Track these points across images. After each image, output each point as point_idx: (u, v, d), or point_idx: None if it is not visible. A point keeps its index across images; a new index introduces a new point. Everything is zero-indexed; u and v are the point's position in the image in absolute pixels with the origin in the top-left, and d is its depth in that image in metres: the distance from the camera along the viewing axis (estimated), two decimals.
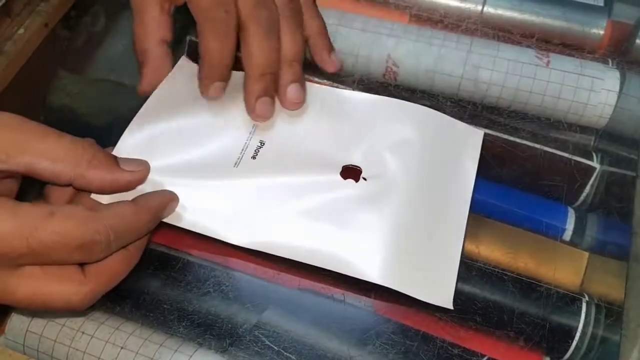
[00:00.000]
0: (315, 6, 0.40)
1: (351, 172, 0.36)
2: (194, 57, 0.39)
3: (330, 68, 0.41)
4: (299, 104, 0.38)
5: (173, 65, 0.39)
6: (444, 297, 0.34)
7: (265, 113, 0.38)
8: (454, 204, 0.36)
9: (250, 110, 0.37)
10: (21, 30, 0.41)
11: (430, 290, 0.34)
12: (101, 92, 0.42)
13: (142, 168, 0.34)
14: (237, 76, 0.39)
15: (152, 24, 0.38)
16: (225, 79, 0.38)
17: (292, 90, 0.38)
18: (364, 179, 0.36)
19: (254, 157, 0.37)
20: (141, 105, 0.38)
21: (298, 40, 0.38)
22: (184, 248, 0.37)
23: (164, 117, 0.37)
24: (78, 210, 0.29)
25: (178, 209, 0.35)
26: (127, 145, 0.36)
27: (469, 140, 0.39)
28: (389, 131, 0.38)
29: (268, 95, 0.37)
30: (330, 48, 0.41)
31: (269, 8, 0.36)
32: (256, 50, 0.36)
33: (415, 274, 0.34)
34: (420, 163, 0.37)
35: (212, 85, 0.37)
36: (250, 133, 0.37)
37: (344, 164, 0.37)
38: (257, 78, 0.37)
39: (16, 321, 0.35)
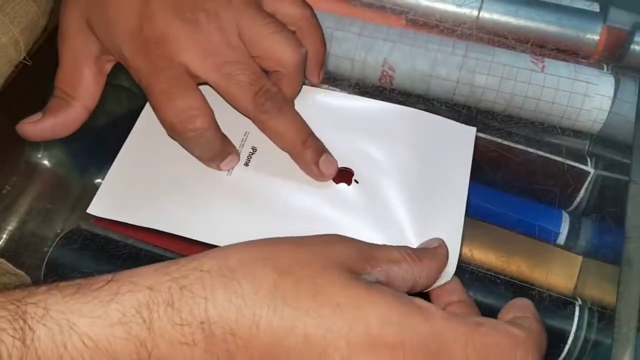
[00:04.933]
0: (314, 23, 0.38)
1: (343, 175, 0.37)
2: None
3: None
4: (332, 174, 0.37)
5: None
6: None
7: (330, 170, 0.36)
8: (450, 203, 0.36)
9: (318, 177, 0.36)
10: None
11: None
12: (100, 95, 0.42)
13: None
14: None
15: (87, 87, 0.37)
16: (227, 154, 0.36)
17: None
18: (356, 181, 0.36)
19: (246, 164, 0.37)
20: (141, 108, 0.39)
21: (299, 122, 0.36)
22: (180, 251, 0.37)
23: (155, 134, 0.38)
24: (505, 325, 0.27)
25: (175, 217, 0.35)
26: (129, 154, 0.37)
27: (461, 139, 0.39)
28: (381, 133, 0.38)
29: (321, 153, 0.36)
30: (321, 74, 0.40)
31: (264, 91, 0.35)
32: (279, 133, 0.36)
33: None
34: (413, 163, 0.37)
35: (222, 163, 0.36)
36: (242, 140, 0.38)
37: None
38: (301, 149, 0.36)
39: None
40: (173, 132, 0.34)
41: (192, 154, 0.36)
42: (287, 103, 0.36)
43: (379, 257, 0.28)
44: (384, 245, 0.29)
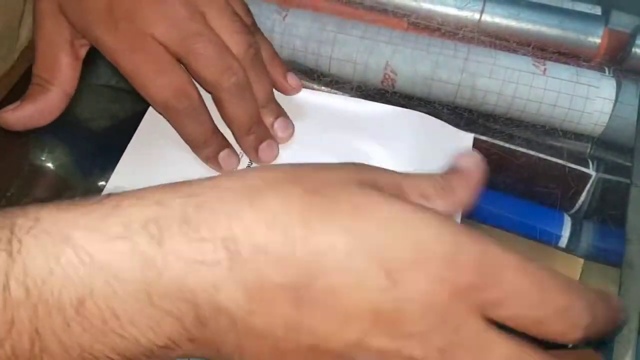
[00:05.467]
0: (258, 29, 0.40)
1: None
2: None
3: (290, 92, 0.40)
4: (290, 133, 0.38)
5: None
6: None
7: (270, 156, 0.37)
8: None
9: (256, 161, 0.37)
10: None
11: None
12: (103, 98, 0.42)
13: None
14: None
15: (64, 72, 0.36)
16: (223, 145, 0.37)
17: (278, 127, 0.38)
18: None
19: (249, 167, 0.37)
20: (143, 112, 0.39)
21: (265, 83, 0.37)
22: None
23: (159, 137, 0.38)
24: None
25: None
26: (132, 157, 0.37)
27: (459, 144, 0.39)
28: (381, 135, 0.38)
29: (264, 139, 0.37)
30: (285, 70, 0.40)
31: (234, 71, 0.35)
32: (235, 114, 0.36)
33: None
34: (411, 166, 0.37)
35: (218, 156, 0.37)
36: None
37: None
38: (246, 134, 0.37)
39: None
40: (167, 107, 0.34)
41: (187, 134, 0.36)
42: (250, 87, 0.36)
43: (410, 191, 0.26)
44: (413, 175, 0.27)
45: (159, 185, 0.24)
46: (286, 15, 0.43)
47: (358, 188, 0.23)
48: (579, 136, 0.42)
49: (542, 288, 0.23)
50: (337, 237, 0.22)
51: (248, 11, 0.39)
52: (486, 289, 0.22)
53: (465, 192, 0.27)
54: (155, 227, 0.22)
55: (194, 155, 0.37)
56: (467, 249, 0.23)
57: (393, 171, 0.26)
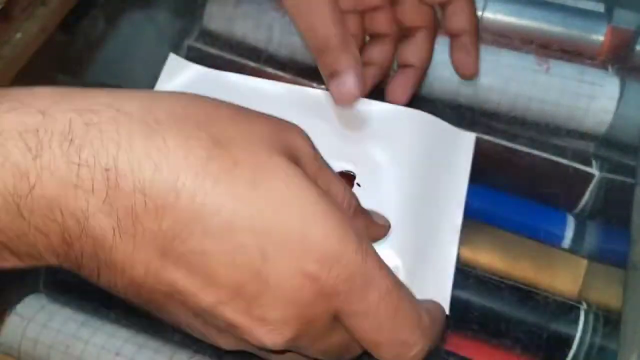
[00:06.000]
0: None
1: (345, 179, 0.36)
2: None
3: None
4: None
5: None
6: (440, 303, 0.34)
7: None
8: (448, 207, 0.36)
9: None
10: (19, 35, 0.41)
11: (426, 296, 0.34)
12: None
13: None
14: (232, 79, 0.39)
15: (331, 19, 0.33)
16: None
17: None
18: (358, 184, 0.36)
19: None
20: None
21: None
22: None
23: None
24: None
25: None
26: None
27: (461, 144, 0.38)
28: (382, 135, 0.38)
29: None
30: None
31: None
32: None
33: (409, 280, 0.34)
34: (413, 167, 0.37)
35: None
36: None
37: (337, 170, 0.36)
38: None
39: (12, 325, 0.35)
40: None
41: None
42: None
43: (328, 170, 0.27)
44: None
45: (54, 89, 0.22)
46: (285, 12, 0.43)
47: (267, 155, 0.22)
48: (582, 135, 0.41)
49: (395, 320, 0.24)
50: (226, 204, 0.21)
51: None
52: (350, 301, 0.23)
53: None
54: (34, 138, 0.20)
55: None
56: (349, 257, 0.23)
57: (317, 150, 0.27)
